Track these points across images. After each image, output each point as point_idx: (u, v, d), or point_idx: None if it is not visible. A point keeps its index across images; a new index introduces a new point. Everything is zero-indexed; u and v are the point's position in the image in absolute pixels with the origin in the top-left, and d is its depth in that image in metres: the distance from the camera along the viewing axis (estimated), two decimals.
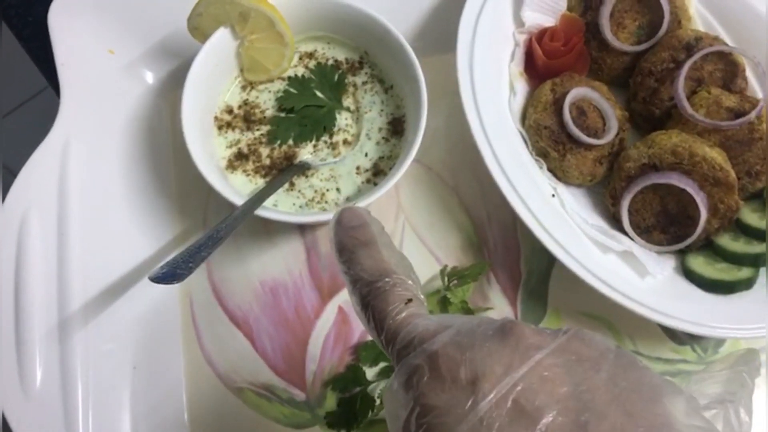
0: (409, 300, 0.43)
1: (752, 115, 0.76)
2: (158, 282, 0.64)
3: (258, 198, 0.73)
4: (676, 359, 0.83)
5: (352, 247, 0.46)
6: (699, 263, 0.77)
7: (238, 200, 0.73)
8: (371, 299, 0.43)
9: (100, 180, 0.82)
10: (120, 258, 0.81)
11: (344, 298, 0.84)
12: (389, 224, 0.86)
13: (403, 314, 0.42)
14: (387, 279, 0.44)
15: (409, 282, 0.45)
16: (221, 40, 0.78)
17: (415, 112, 0.77)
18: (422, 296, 0.46)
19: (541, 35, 0.83)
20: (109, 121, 0.85)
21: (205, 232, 0.72)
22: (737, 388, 0.47)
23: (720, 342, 0.84)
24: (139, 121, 0.87)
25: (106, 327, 0.78)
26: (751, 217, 0.78)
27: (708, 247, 0.79)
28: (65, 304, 0.76)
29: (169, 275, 0.64)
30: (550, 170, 0.81)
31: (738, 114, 0.77)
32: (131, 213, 0.83)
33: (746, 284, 0.75)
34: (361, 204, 0.73)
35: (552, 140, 0.79)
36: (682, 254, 0.80)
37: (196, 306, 0.83)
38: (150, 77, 0.89)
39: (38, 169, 0.79)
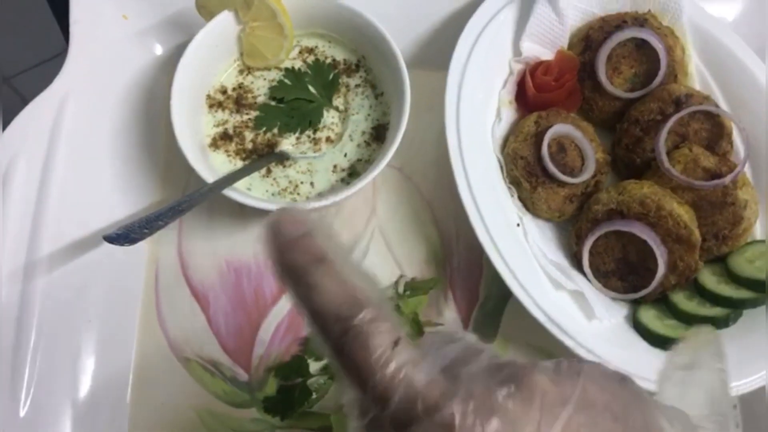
0: (396, 340, 0.34)
1: (727, 179, 0.77)
2: (110, 242, 0.67)
3: (228, 179, 0.75)
4: None
5: (304, 266, 0.36)
6: (649, 316, 0.78)
7: (210, 177, 0.75)
8: (346, 344, 0.34)
9: (90, 138, 0.85)
10: (96, 215, 0.84)
11: None
12: (360, 227, 0.88)
13: (393, 365, 0.33)
14: (361, 314, 0.34)
15: (388, 309, 0.36)
16: (223, 22, 0.81)
17: (398, 121, 0.79)
18: (403, 325, 0.37)
19: (536, 67, 0.84)
20: (110, 84, 0.88)
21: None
22: (720, 394, 0.44)
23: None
24: (139, 88, 0.89)
25: (70, 277, 0.80)
26: (709, 279, 0.78)
27: (662, 301, 0.79)
28: (34, 248, 0.79)
29: (122, 237, 0.66)
30: (520, 200, 0.82)
31: (714, 175, 0.78)
32: (115, 175, 0.86)
33: None
34: (328, 201, 0.75)
35: (526, 171, 0.80)
36: (636, 304, 0.80)
37: (161, 273, 0.86)
38: (158, 48, 0.92)
39: (33, 119, 0.83)
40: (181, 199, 0.71)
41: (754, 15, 0.92)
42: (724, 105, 0.85)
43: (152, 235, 0.84)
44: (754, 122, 0.84)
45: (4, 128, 0.82)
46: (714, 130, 0.81)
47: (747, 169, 0.84)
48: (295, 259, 0.36)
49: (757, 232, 0.82)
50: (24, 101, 0.85)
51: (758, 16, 0.92)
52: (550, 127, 0.80)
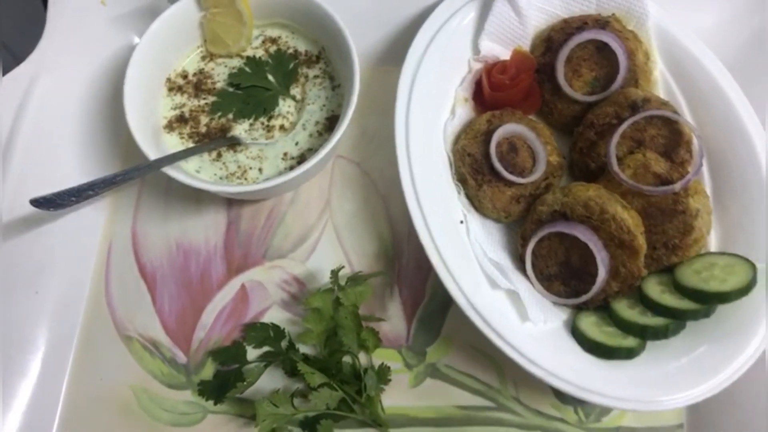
0: None
1: (677, 185, 0.74)
2: (36, 206, 0.68)
3: (170, 158, 0.76)
4: (554, 416, 0.81)
5: None
6: (589, 322, 0.75)
7: (155, 155, 0.76)
8: None
9: (57, 116, 0.87)
10: (55, 189, 0.85)
11: (249, 277, 0.86)
12: (313, 218, 0.88)
13: None
14: None
15: None
16: (184, 8, 0.82)
17: (346, 112, 0.78)
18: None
19: (493, 66, 0.83)
20: (82, 66, 0.90)
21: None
22: None
23: (605, 411, 0.81)
24: (111, 72, 0.91)
25: (23, 247, 0.82)
26: (654, 289, 0.75)
27: (605, 309, 0.77)
28: None
29: (49, 202, 0.68)
30: (467, 197, 0.81)
31: (664, 182, 0.75)
32: (78, 150, 0.88)
33: (627, 353, 0.72)
34: (272, 183, 0.75)
35: (472, 168, 0.79)
36: (579, 310, 0.78)
37: (114, 252, 0.87)
38: (133, 35, 0.94)
39: (1, 94, 0.85)
40: (118, 172, 0.72)
41: (726, 26, 0.90)
42: (687, 114, 0.83)
43: (106, 212, 0.88)
44: (718, 132, 0.81)
45: None
46: (672, 137, 0.79)
47: (707, 181, 0.81)
48: None
49: (711, 244, 0.79)
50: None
51: (729, 28, 0.89)
52: (502, 125, 0.79)
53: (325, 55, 0.87)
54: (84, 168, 0.88)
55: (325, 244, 0.87)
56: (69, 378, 0.82)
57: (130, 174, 0.73)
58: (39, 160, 0.85)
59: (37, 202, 0.67)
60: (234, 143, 0.82)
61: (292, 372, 0.81)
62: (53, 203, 0.68)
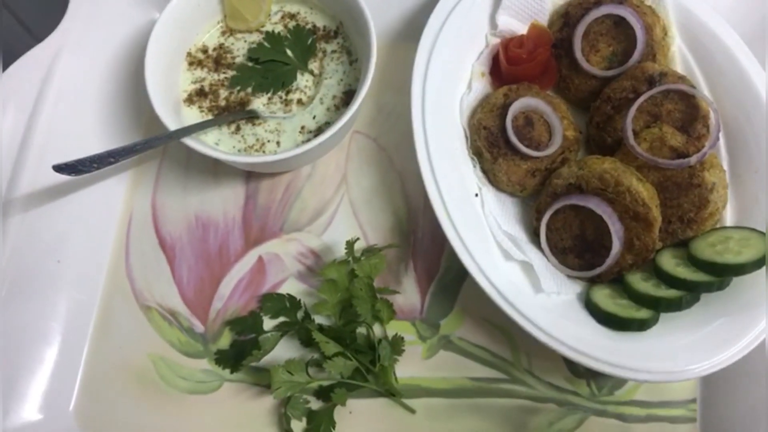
0: None
1: (692, 159, 0.74)
2: (58, 171, 0.69)
3: (187, 129, 0.77)
4: (567, 389, 0.81)
5: None
6: (602, 294, 0.75)
7: (173, 126, 0.77)
8: None
9: (79, 90, 0.89)
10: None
11: (266, 249, 0.87)
12: (329, 192, 0.89)
13: None
14: None
15: None
16: None
17: (363, 86, 0.79)
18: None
19: (511, 41, 0.83)
20: (104, 42, 0.92)
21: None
22: None
23: (618, 384, 0.81)
24: (133, 48, 0.93)
25: (45, 218, 0.84)
26: (668, 262, 0.75)
27: (619, 281, 0.77)
28: (14, 188, 0.83)
29: (70, 168, 0.69)
30: (483, 171, 0.81)
31: (680, 155, 0.75)
32: (100, 126, 0.90)
33: (639, 325, 0.72)
34: (289, 154, 0.76)
35: (488, 141, 0.79)
36: (593, 283, 0.78)
37: (134, 223, 0.88)
38: (155, 12, 0.95)
39: (25, 69, 0.86)
40: (138, 141, 0.74)
41: (744, 1, 0.89)
42: (705, 88, 0.82)
43: (127, 184, 0.89)
44: (735, 107, 0.81)
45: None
46: (688, 112, 0.78)
47: (723, 155, 0.81)
48: None
49: (727, 219, 0.79)
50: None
51: (748, 3, 0.89)
52: (518, 99, 0.79)
53: (343, 30, 0.87)
54: (107, 144, 0.89)
55: (341, 218, 0.88)
56: (89, 345, 0.84)
57: (150, 143, 0.74)
58: (62, 135, 0.87)
59: (59, 168, 0.69)
60: (252, 117, 0.84)
61: (307, 342, 0.82)
62: (74, 169, 0.69)
